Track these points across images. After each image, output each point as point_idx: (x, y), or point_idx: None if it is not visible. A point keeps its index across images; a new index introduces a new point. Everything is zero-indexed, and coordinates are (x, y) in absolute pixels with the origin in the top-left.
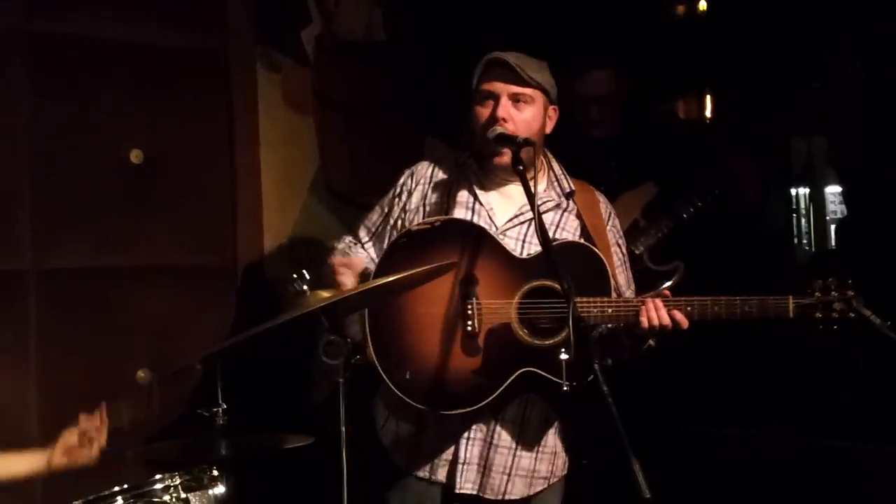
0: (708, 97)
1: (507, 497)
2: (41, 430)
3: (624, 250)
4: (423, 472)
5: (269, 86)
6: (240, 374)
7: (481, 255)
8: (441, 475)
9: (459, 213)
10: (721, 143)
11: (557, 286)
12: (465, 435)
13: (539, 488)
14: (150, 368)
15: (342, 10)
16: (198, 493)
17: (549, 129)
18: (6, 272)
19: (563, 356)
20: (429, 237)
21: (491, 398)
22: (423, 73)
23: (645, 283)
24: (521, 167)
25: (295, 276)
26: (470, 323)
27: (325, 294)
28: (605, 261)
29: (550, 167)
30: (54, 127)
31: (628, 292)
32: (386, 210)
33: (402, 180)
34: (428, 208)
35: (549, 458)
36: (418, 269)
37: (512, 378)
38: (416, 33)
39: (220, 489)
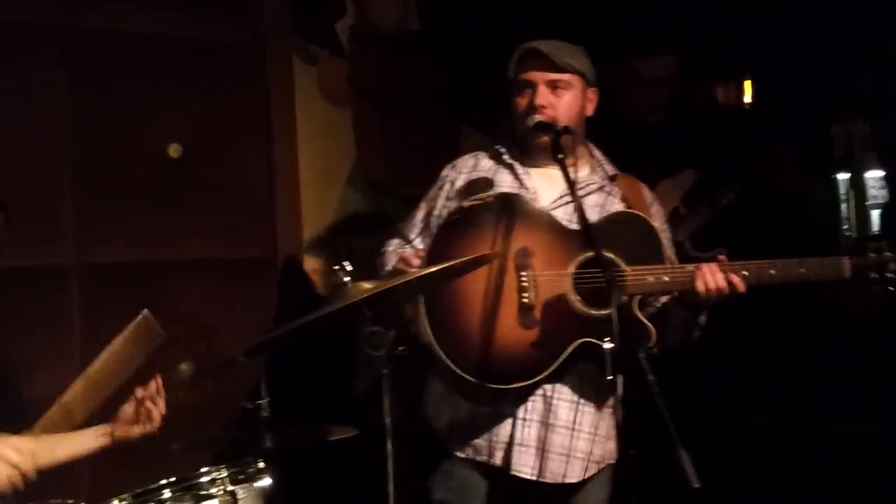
0: (747, 83)
1: (565, 480)
2: (86, 423)
3: (668, 234)
4: (481, 456)
5: (306, 78)
6: (282, 366)
7: (534, 228)
8: (498, 458)
9: None
10: (760, 129)
11: (612, 255)
12: (521, 416)
13: (592, 472)
14: (192, 361)
15: (376, 1)
16: (244, 485)
17: (589, 112)
18: (49, 267)
19: (608, 346)
20: (481, 213)
21: (550, 370)
22: (458, 63)
23: None
24: (560, 155)
25: (336, 267)
26: (526, 295)
27: (367, 285)
28: (656, 228)
29: (591, 153)
30: (94, 122)
31: None
32: (431, 204)
33: (444, 172)
34: (472, 194)
35: (602, 443)
36: (458, 261)
37: (570, 349)
38: (450, 22)
39: (266, 481)
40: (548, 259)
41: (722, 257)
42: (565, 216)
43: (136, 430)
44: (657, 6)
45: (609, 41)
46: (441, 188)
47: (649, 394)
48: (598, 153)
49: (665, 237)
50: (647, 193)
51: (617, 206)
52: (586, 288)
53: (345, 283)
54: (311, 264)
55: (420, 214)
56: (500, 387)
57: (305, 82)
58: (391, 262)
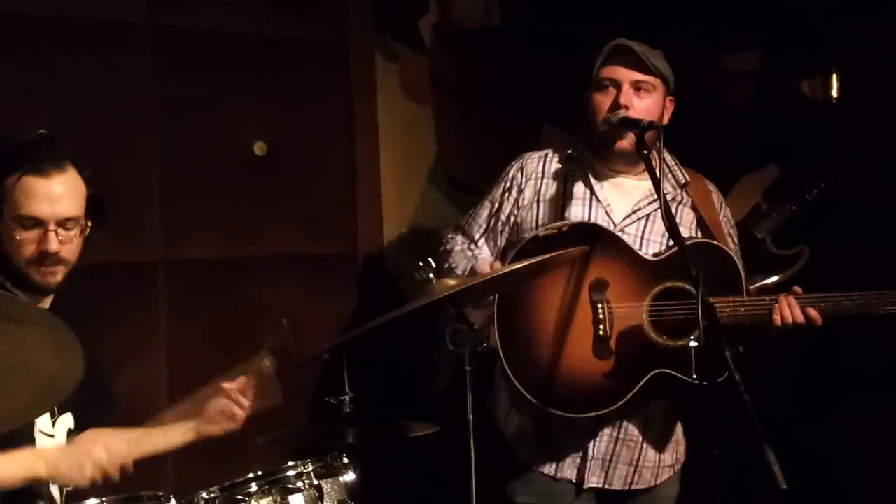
0: (834, 77)
1: (633, 487)
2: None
3: (735, 240)
4: (549, 469)
5: (388, 75)
6: (364, 361)
7: (609, 258)
8: (569, 473)
9: (576, 208)
10: (849, 122)
11: (688, 287)
12: (593, 433)
13: (665, 477)
14: (275, 356)
15: None
16: (329, 479)
17: (665, 120)
18: (138, 263)
19: (693, 344)
20: (556, 241)
21: (623, 401)
22: (540, 60)
23: (768, 267)
24: (645, 151)
25: (421, 263)
26: (601, 326)
27: (452, 282)
28: (737, 260)
29: (663, 158)
30: (181, 120)
31: None
32: (497, 205)
33: (511, 174)
34: (543, 203)
35: (672, 447)
36: (543, 256)
37: (645, 380)
38: (532, 18)
39: (350, 476)
40: (623, 289)
41: (798, 289)
42: (638, 233)
43: (220, 428)
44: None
45: (695, 36)
46: (508, 190)
47: (734, 394)
48: (669, 159)
49: (732, 241)
50: (715, 198)
51: (688, 215)
52: (662, 319)
53: (430, 280)
54: (390, 260)
55: (485, 213)
56: (574, 416)
57: (387, 79)
58: (461, 266)
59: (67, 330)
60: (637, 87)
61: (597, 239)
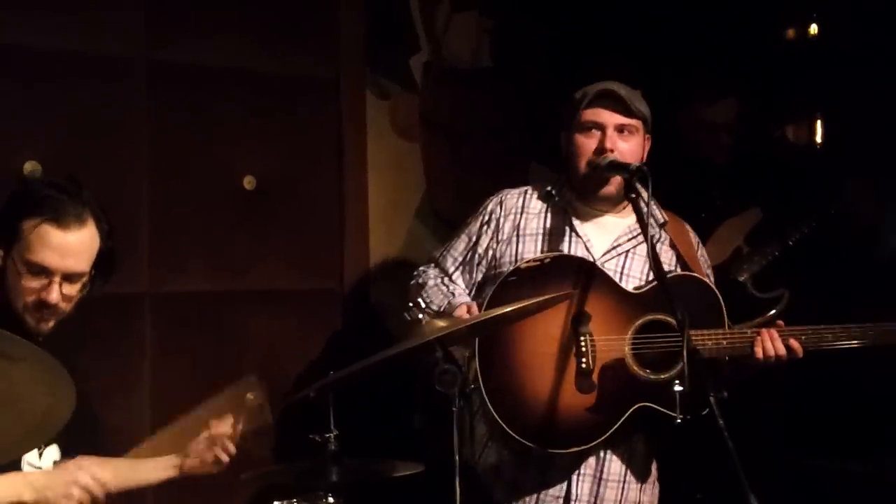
0: (818, 122)
1: None
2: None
3: (712, 280)
4: None
5: (378, 112)
6: (348, 399)
7: (592, 291)
8: None
9: (556, 243)
10: (833, 167)
11: (670, 320)
12: (577, 471)
13: None
14: (260, 390)
15: (450, 38)
16: None
17: (644, 158)
18: (124, 295)
19: (678, 388)
20: (538, 273)
21: (606, 435)
22: (530, 99)
23: (749, 311)
24: (633, 195)
25: (411, 304)
26: (584, 360)
27: (442, 323)
28: (717, 293)
29: (641, 197)
30: (173, 153)
31: None
32: (474, 239)
33: (489, 208)
34: (522, 238)
35: (651, 488)
36: (535, 300)
37: (627, 414)
38: (522, 58)
39: None
40: (606, 322)
41: (780, 322)
42: (618, 268)
43: (204, 468)
44: (725, 47)
45: (675, 85)
46: (486, 224)
47: (719, 438)
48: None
49: (710, 281)
50: (692, 237)
51: (668, 252)
52: (644, 352)
53: (419, 321)
54: (376, 297)
55: (461, 247)
56: (557, 451)
57: (378, 116)
58: (436, 301)
59: (59, 366)
60: (620, 129)
61: (579, 272)
